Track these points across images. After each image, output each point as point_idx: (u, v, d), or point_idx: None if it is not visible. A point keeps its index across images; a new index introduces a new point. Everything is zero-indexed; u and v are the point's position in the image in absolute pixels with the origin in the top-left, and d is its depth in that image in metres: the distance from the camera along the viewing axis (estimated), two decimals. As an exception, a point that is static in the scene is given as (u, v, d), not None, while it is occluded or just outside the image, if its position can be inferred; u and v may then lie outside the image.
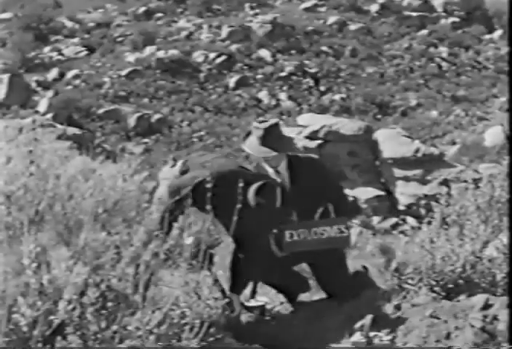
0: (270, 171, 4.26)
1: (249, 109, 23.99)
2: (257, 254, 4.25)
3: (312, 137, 13.64)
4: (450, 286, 4.16)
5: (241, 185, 3.77)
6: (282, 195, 4.12)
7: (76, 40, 29.38)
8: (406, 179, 12.87)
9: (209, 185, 3.72)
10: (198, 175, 4.06)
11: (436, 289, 4.19)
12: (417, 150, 13.06)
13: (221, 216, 4.08)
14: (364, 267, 4.83)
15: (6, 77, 23.18)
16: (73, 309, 2.92)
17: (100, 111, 23.03)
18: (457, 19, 30.66)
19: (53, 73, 26.00)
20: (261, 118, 4.50)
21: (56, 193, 3.75)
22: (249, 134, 4.31)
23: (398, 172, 13.01)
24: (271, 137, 4.16)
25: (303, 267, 4.76)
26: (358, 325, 3.88)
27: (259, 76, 25.72)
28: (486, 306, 3.67)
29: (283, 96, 24.86)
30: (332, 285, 4.36)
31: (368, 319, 3.89)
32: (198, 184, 3.98)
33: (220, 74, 25.46)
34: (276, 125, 4.23)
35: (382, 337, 3.64)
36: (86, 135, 15.26)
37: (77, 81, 25.30)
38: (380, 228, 11.74)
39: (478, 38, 29.57)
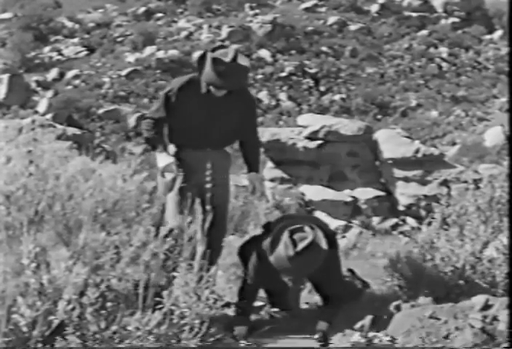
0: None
1: (249, 109, 23.98)
2: None
3: (312, 137, 13.63)
4: (450, 286, 4.16)
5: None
6: (235, 54, 4.22)
7: (76, 40, 29.37)
8: (406, 179, 12.86)
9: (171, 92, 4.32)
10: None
11: (436, 289, 4.19)
12: (417, 151, 13.04)
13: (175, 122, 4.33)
14: (350, 271, 4.82)
15: (6, 77, 23.17)
16: (73, 309, 2.92)
17: (100, 111, 23.03)
18: (457, 20, 30.65)
19: (53, 73, 26.00)
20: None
21: (55, 193, 3.76)
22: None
23: (398, 173, 12.99)
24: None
25: None
26: (357, 325, 3.88)
27: (259, 76, 25.72)
28: (486, 306, 3.66)
29: (283, 96, 24.86)
30: (327, 290, 4.28)
31: (367, 319, 3.89)
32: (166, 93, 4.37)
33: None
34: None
35: (382, 337, 3.64)
36: (86, 135, 15.22)
37: (77, 81, 25.31)
38: (380, 229, 11.73)
39: (478, 39, 29.57)
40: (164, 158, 4.21)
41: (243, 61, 4.24)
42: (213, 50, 4.29)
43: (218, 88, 4.24)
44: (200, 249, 3.28)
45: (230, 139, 4.51)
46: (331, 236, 4.11)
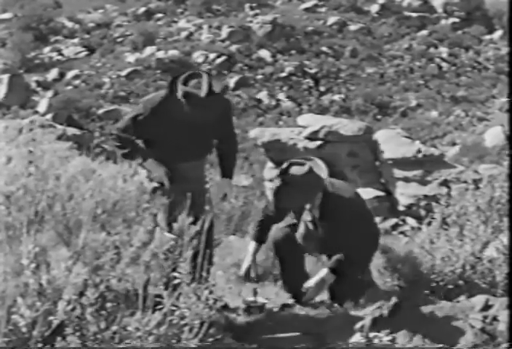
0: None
1: (249, 109, 23.99)
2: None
3: (312, 137, 13.63)
4: (450, 286, 4.16)
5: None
6: (209, 85, 3.89)
7: (76, 40, 29.39)
8: (406, 179, 12.86)
9: (141, 117, 4.06)
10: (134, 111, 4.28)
11: (436, 289, 4.19)
12: (417, 151, 13.05)
13: (155, 145, 4.15)
14: None
15: (6, 77, 23.18)
16: (73, 309, 2.92)
17: (100, 111, 23.03)
18: (457, 20, 30.66)
19: (53, 73, 26.01)
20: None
21: (56, 193, 3.76)
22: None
23: (398, 173, 12.99)
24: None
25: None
26: (358, 325, 3.87)
27: (259, 77, 25.72)
28: (486, 307, 3.66)
29: (283, 96, 24.86)
30: (344, 285, 4.25)
31: (368, 319, 3.88)
32: (135, 117, 4.14)
33: (219, 74, 25.47)
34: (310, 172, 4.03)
35: (382, 337, 3.64)
36: (86, 135, 15.23)
37: (77, 81, 25.32)
38: (380, 229, 11.72)
39: (478, 39, 29.57)
40: (154, 167, 4.16)
41: (218, 87, 3.95)
42: (184, 82, 3.95)
43: (196, 121, 4.04)
44: (190, 251, 3.26)
45: (211, 147, 4.39)
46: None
